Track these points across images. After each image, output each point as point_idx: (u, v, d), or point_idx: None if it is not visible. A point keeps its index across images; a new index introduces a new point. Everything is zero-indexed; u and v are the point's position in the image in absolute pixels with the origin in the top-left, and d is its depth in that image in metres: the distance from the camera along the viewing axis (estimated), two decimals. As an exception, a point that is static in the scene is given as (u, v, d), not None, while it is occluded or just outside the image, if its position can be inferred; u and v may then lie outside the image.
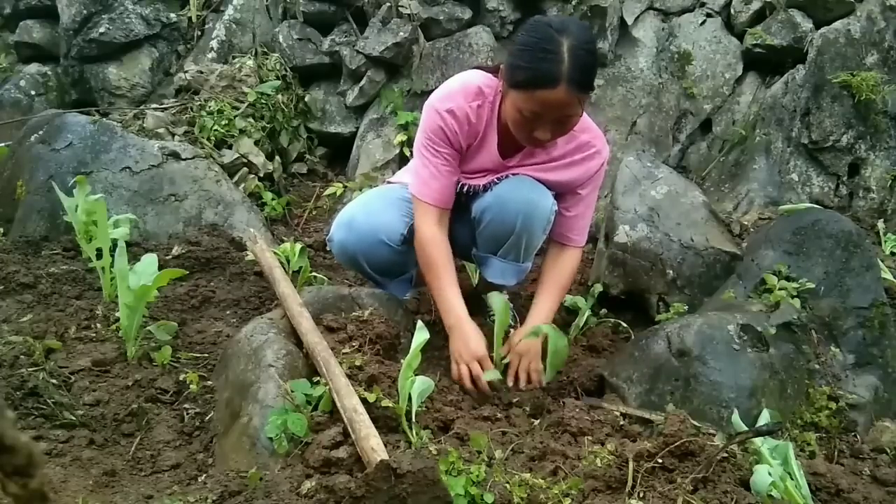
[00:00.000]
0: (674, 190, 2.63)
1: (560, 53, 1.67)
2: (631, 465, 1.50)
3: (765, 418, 1.69)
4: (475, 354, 1.89)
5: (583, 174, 2.04)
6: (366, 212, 2.10)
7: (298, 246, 2.54)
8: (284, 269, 2.29)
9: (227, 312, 2.26)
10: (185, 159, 2.94)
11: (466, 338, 1.91)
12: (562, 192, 2.07)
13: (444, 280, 1.97)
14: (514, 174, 2.01)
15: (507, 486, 1.42)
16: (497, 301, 1.94)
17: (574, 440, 1.68)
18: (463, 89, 1.93)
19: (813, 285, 2.06)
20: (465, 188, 2.05)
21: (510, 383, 1.95)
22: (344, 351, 1.77)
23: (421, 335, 1.62)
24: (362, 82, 3.66)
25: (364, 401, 1.53)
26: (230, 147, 3.28)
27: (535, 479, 1.46)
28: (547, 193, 2.01)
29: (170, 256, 2.53)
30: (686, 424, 1.60)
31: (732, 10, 3.41)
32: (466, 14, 3.64)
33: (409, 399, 1.58)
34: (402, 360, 1.89)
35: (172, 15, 4.02)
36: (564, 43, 1.68)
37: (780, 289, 2.06)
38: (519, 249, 2.05)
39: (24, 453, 0.61)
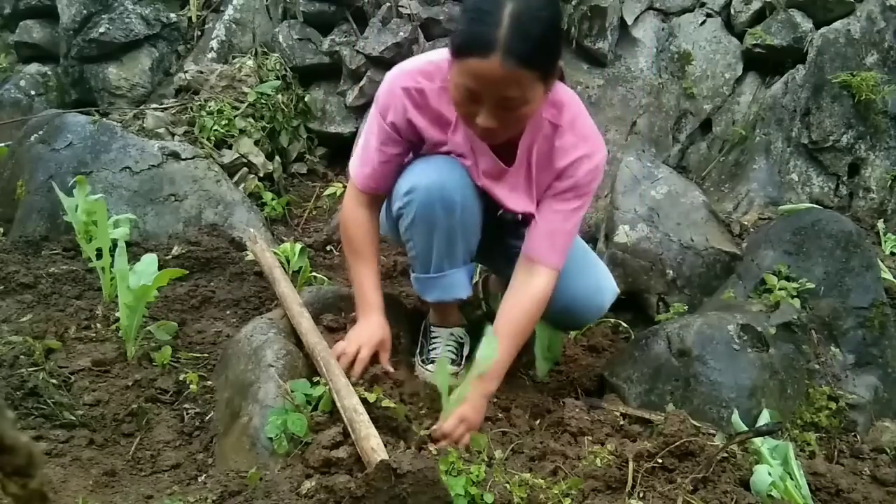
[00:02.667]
0: (674, 190, 2.63)
1: (498, 16, 1.36)
2: (631, 465, 1.50)
3: (765, 418, 1.69)
4: (369, 341, 1.71)
5: (569, 181, 1.68)
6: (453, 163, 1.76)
7: (298, 246, 2.54)
8: (284, 269, 2.28)
9: (227, 312, 2.26)
10: (185, 159, 2.94)
11: (370, 326, 1.75)
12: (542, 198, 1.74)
13: (364, 264, 1.79)
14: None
15: (507, 486, 1.42)
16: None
17: (574, 440, 1.68)
18: (427, 66, 1.64)
19: (813, 285, 2.06)
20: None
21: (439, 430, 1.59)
22: (344, 351, 1.77)
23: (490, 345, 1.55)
24: (362, 82, 3.66)
25: (364, 401, 1.53)
26: (230, 147, 3.28)
27: (535, 479, 1.46)
28: (609, 280, 1.91)
29: (170, 256, 2.53)
30: (686, 424, 1.60)
31: (732, 10, 3.41)
32: (466, 14, 3.64)
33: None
34: (400, 359, 1.89)
35: (172, 15, 4.02)
36: (507, 5, 1.37)
37: (780, 289, 2.07)
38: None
39: (24, 453, 0.61)
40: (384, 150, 1.71)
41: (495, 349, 1.55)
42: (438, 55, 1.64)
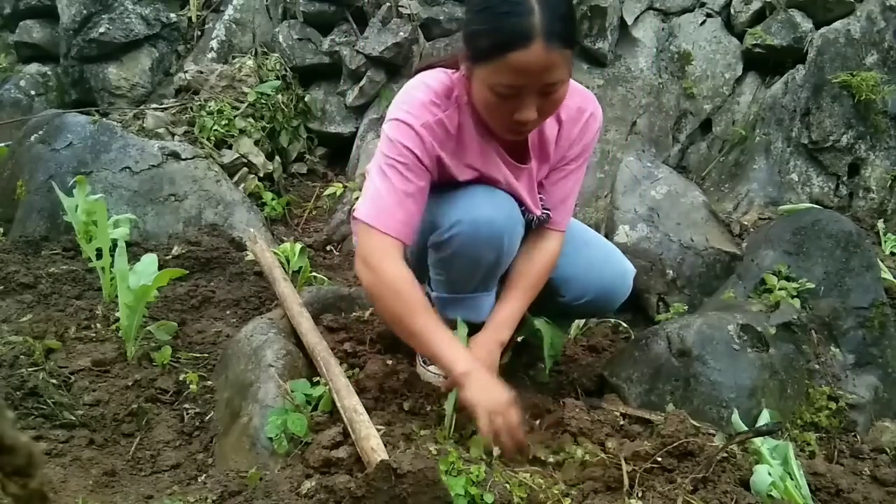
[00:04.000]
0: (674, 190, 2.63)
1: (527, 4, 1.34)
2: (630, 465, 1.50)
3: (765, 418, 1.69)
4: (503, 402, 1.44)
5: (579, 145, 1.72)
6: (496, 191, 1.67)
7: (298, 246, 2.54)
8: (284, 269, 2.28)
9: (227, 312, 2.26)
10: (185, 159, 2.95)
11: (488, 385, 1.46)
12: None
13: (433, 324, 1.51)
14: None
15: (507, 486, 1.42)
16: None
17: (574, 440, 1.68)
18: (432, 94, 1.56)
19: (813, 285, 2.06)
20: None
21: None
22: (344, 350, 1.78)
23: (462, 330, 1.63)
24: (362, 82, 3.66)
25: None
26: (230, 147, 3.28)
27: (535, 479, 1.46)
28: (628, 262, 1.87)
29: (170, 256, 2.53)
30: (686, 424, 1.60)
31: (732, 10, 3.41)
32: (466, 14, 3.64)
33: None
34: (401, 359, 1.89)
35: (172, 15, 4.02)
36: None
37: (780, 289, 2.07)
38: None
39: (24, 453, 0.61)
40: (411, 181, 1.54)
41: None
42: (430, 81, 1.58)
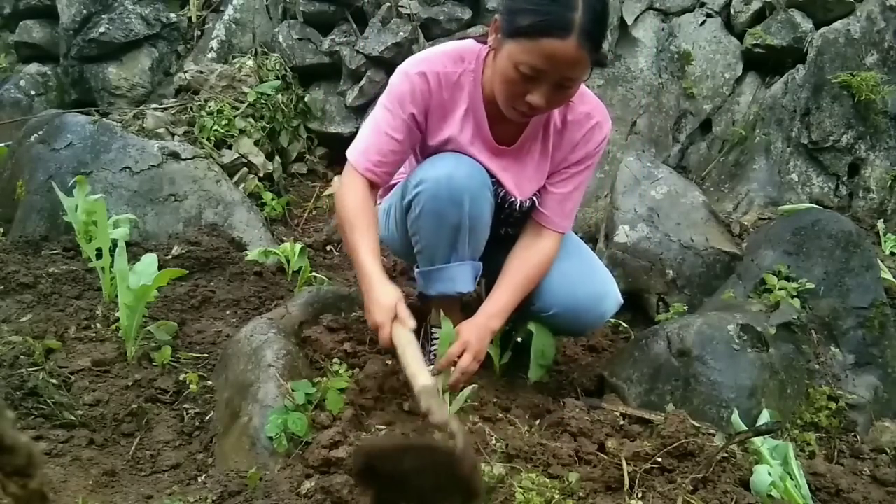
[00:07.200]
0: (674, 190, 2.63)
1: (574, 0, 1.42)
2: (630, 465, 1.50)
3: (765, 418, 1.69)
4: (383, 311, 1.53)
5: (581, 151, 1.77)
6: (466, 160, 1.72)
7: (298, 246, 2.54)
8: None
9: (227, 312, 2.26)
10: (185, 159, 2.94)
11: (376, 295, 1.56)
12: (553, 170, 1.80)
13: (359, 233, 1.63)
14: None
15: (511, 485, 1.42)
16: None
17: (574, 440, 1.68)
18: (442, 54, 1.67)
19: (813, 285, 2.06)
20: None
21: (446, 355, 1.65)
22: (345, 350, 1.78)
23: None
24: (362, 82, 3.66)
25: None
26: (230, 147, 3.28)
27: (535, 479, 1.46)
28: (613, 287, 1.86)
29: (170, 256, 2.53)
30: (686, 424, 1.60)
31: (732, 10, 3.41)
32: (466, 14, 3.64)
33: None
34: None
35: (172, 15, 4.02)
36: None
37: (780, 289, 2.07)
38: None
39: (24, 453, 0.61)
40: (395, 136, 1.66)
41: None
42: (455, 43, 1.69)
